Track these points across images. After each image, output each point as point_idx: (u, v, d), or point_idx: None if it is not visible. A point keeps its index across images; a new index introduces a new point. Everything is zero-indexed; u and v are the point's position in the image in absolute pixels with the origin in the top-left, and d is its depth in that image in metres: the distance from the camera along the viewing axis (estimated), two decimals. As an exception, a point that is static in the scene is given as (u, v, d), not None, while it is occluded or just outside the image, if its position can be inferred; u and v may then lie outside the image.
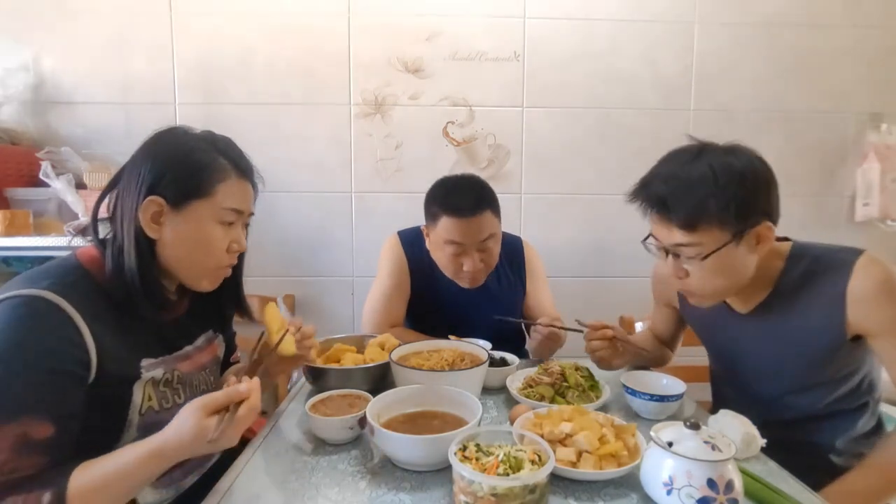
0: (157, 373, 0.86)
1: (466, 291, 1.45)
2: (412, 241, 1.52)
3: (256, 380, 0.78)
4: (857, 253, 0.97)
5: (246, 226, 0.96)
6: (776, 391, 1.08)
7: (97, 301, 0.79)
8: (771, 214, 0.94)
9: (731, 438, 0.76)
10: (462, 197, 1.34)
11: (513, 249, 1.57)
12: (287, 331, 0.97)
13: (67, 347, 0.73)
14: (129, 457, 0.71)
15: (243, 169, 0.92)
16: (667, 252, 0.98)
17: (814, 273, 0.99)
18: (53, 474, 0.69)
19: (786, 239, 1.06)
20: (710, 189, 0.89)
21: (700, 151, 0.94)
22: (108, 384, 0.78)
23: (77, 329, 0.74)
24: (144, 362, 0.84)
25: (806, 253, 1.02)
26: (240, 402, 0.74)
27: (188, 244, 0.86)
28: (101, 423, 0.78)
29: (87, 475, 0.70)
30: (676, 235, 0.93)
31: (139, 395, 0.83)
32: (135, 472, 0.71)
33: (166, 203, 0.84)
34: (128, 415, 0.82)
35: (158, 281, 0.87)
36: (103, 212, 0.88)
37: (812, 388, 1.05)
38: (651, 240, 1.01)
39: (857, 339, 0.98)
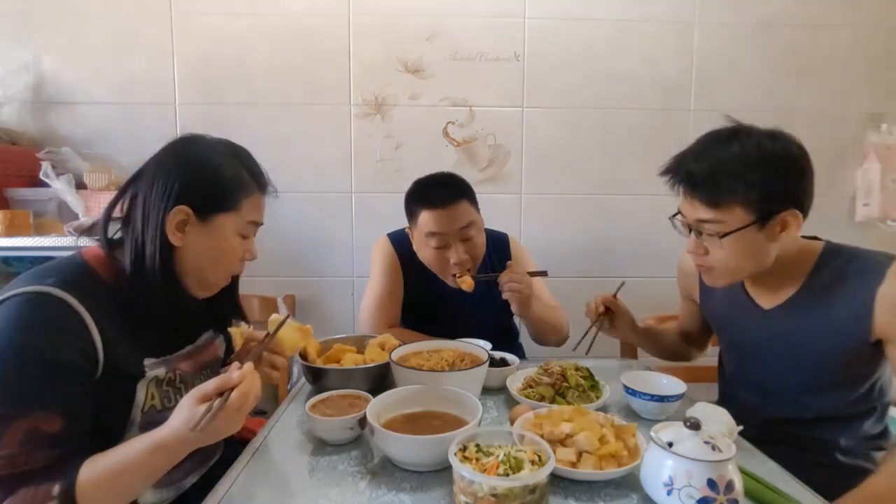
0: (160, 372, 0.87)
1: (456, 290, 1.46)
2: (402, 241, 1.53)
3: (249, 365, 0.76)
4: (892, 257, 0.96)
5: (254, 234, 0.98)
6: (790, 389, 1.07)
7: (102, 299, 0.80)
8: (800, 203, 0.94)
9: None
10: (436, 188, 1.40)
11: (500, 246, 1.59)
12: (287, 316, 0.98)
13: (75, 342, 0.74)
14: (134, 450, 0.72)
15: (262, 182, 0.95)
16: (690, 229, 0.99)
17: (846, 274, 0.98)
18: (64, 467, 0.70)
19: (816, 238, 1.06)
20: (737, 169, 0.90)
21: (735, 132, 0.96)
22: (112, 382, 0.79)
23: (84, 324, 0.75)
24: (147, 361, 0.85)
25: (839, 253, 1.01)
26: (231, 390, 0.72)
27: (209, 253, 0.88)
28: (104, 421, 0.78)
29: (95, 468, 0.71)
30: (700, 211, 0.95)
31: (142, 393, 0.83)
32: (141, 466, 0.72)
33: (193, 213, 0.85)
34: (130, 413, 0.82)
35: (177, 285, 0.88)
36: (115, 212, 0.89)
37: (827, 388, 1.04)
38: (679, 216, 1.03)
39: (879, 343, 0.97)
